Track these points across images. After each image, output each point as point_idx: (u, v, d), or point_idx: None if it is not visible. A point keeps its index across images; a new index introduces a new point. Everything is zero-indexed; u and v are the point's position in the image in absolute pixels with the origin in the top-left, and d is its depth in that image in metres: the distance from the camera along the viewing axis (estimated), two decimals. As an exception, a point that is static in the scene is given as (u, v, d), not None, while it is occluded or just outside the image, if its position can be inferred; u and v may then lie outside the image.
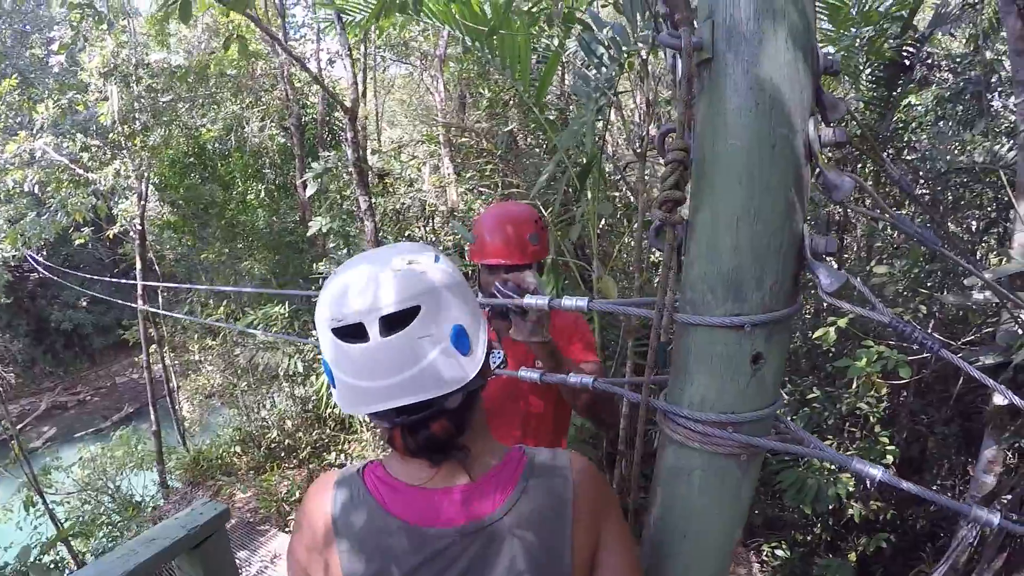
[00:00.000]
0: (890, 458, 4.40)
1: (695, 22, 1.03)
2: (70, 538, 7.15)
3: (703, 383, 1.09)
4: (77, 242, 11.10)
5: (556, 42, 4.45)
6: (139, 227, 10.56)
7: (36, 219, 10.55)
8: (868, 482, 4.60)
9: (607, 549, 1.05)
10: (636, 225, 3.88)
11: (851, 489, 4.25)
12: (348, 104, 6.70)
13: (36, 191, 10.65)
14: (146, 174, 10.38)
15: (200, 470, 9.93)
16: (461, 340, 0.96)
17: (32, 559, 4.93)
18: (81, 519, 8.72)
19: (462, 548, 0.99)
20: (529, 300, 1.48)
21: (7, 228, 10.59)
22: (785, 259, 1.01)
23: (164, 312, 10.46)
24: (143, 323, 11.11)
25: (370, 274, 0.95)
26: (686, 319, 1.07)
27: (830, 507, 4.26)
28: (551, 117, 5.96)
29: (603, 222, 6.47)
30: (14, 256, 10.90)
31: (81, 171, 10.41)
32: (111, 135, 10.14)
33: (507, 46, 3.83)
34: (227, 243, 11.47)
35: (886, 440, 4.49)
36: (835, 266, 1.03)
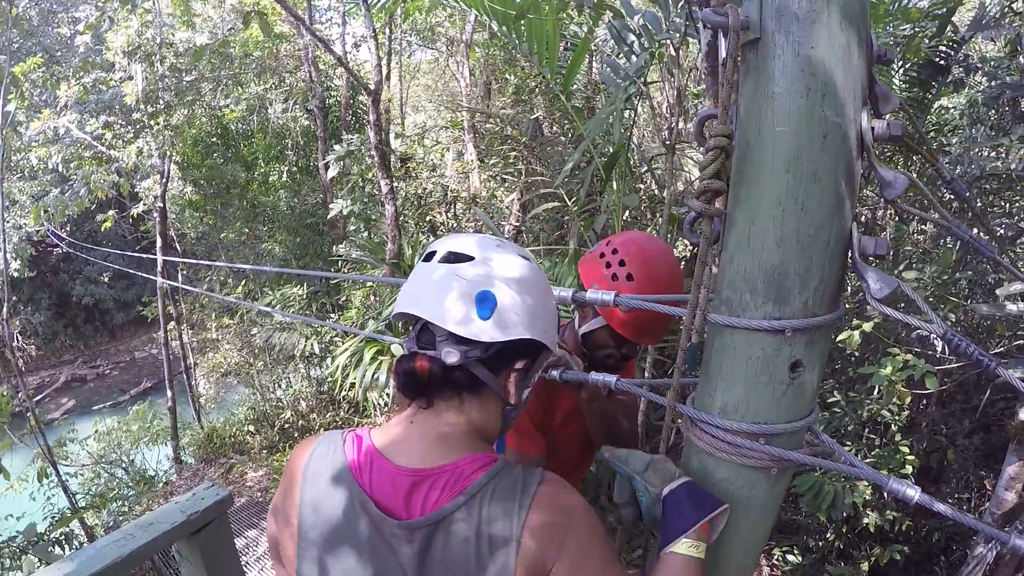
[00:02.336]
0: (909, 468, 4.30)
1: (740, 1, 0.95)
2: (82, 509, 7.18)
3: (736, 389, 1.00)
4: (105, 225, 11.20)
5: (585, 29, 4.37)
6: (160, 205, 10.63)
7: (59, 196, 10.65)
8: (885, 494, 4.56)
9: None
10: (661, 218, 3.79)
11: (868, 498, 4.16)
12: (371, 86, 6.65)
13: (59, 168, 10.73)
14: (168, 153, 10.43)
15: (213, 447, 9.93)
16: (484, 302, 1.02)
17: (43, 532, 4.94)
18: (94, 492, 8.77)
19: (405, 541, 0.97)
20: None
21: (31, 204, 10.68)
22: (831, 257, 0.92)
23: (183, 287, 10.49)
24: (162, 300, 11.16)
25: (465, 237, 1.11)
26: (722, 320, 0.98)
27: (845, 515, 4.16)
28: (577, 105, 5.86)
29: (627, 213, 6.38)
30: (38, 231, 11.00)
31: (104, 149, 10.46)
32: (135, 114, 10.18)
33: (535, 31, 3.75)
34: (248, 223, 11.49)
35: (906, 450, 4.39)
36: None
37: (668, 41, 3.51)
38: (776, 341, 0.94)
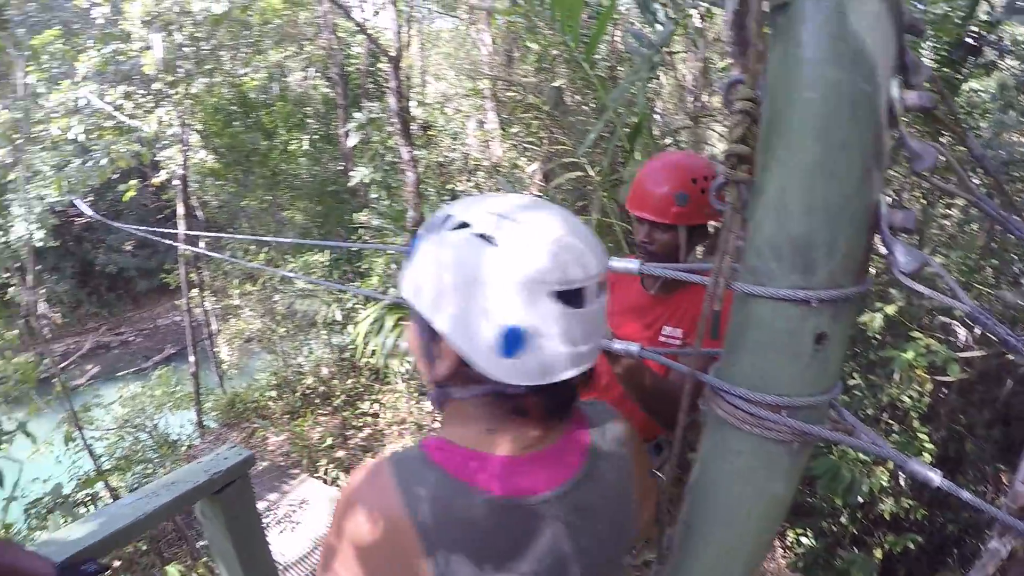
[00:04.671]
0: (927, 456, 4.26)
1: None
2: (107, 471, 7.33)
3: (759, 360, 0.99)
4: (128, 195, 11.34)
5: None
6: (182, 174, 10.72)
7: (81, 166, 10.75)
8: (900, 479, 4.52)
9: None
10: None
11: (884, 484, 4.13)
12: (392, 52, 6.65)
13: (80, 139, 10.84)
14: (189, 121, 10.51)
15: (235, 412, 10.14)
16: None
17: (67, 493, 5.06)
18: (118, 455, 8.96)
19: (555, 514, 0.94)
20: None
21: (53, 174, 10.84)
22: (859, 228, 0.90)
23: (206, 252, 10.57)
24: (184, 267, 11.30)
25: (582, 238, 0.90)
26: (747, 288, 0.96)
27: (860, 500, 4.14)
28: (601, 75, 5.79)
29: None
30: (60, 201, 11.13)
31: (125, 119, 10.54)
32: (154, 84, 10.26)
33: (559, -1, 3.66)
34: (269, 191, 11.51)
35: (924, 437, 4.35)
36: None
37: (693, 11, 3.45)
38: (801, 312, 0.92)
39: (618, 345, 1.35)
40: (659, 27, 3.56)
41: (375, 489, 0.90)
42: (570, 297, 0.86)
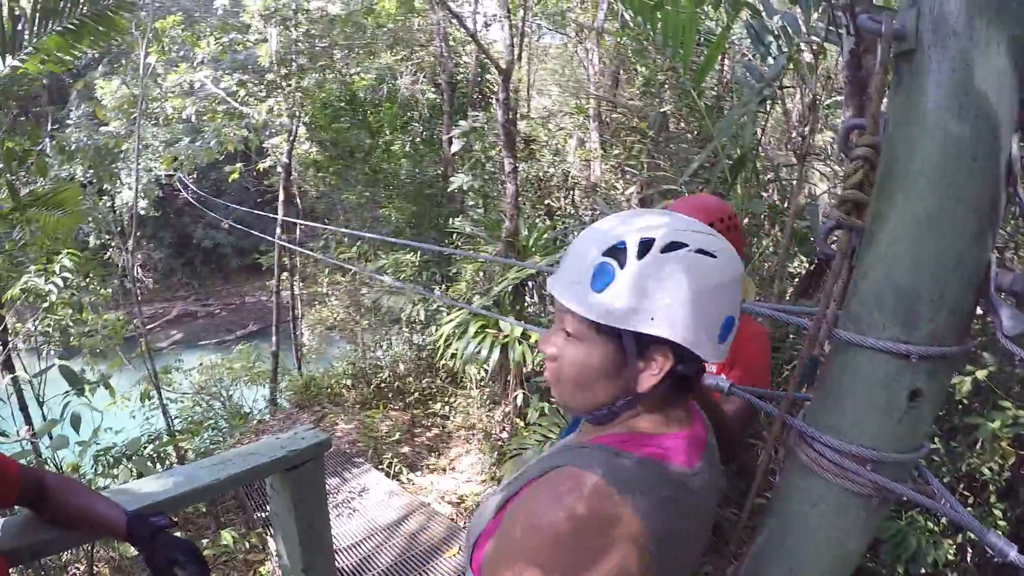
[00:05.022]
0: (999, 533, 3.93)
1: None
2: (177, 434, 7.66)
3: (850, 410, 0.97)
4: (232, 177, 11.86)
5: (721, 25, 4.24)
6: (286, 162, 11.16)
7: (191, 145, 11.36)
8: (967, 555, 4.23)
9: None
10: (784, 230, 3.64)
11: (950, 557, 3.87)
12: (503, 64, 6.73)
13: (192, 120, 11.45)
14: (297, 113, 10.97)
15: (309, 395, 10.37)
16: None
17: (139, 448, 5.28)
18: (191, 419, 9.32)
19: (705, 478, 1.02)
20: None
21: (163, 149, 11.49)
22: (966, 286, 0.88)
23: (298, 249, 10.96)
24: (278, 251, 11.76)
25: None
26: (848, 336, 0.95)
27: (923, 571, 3.89)
28: (708, 104, 5.68)
29: (745, 221, 6.16)
30: (168, 176, 11.74)
31: (236, 105, 11.09)
32: (268, 74, 10.77)
33: (670, 24, 3.65)
34: (368, 187, 11.81)
35: (999, 513, 4.05)
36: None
37: (805, 46, 3.37)
38: (899, 366, 0.91)
39: (709, 380, 1.35)
40: (771, 60, 3.50)
41: (593, 498, 0.88)
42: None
